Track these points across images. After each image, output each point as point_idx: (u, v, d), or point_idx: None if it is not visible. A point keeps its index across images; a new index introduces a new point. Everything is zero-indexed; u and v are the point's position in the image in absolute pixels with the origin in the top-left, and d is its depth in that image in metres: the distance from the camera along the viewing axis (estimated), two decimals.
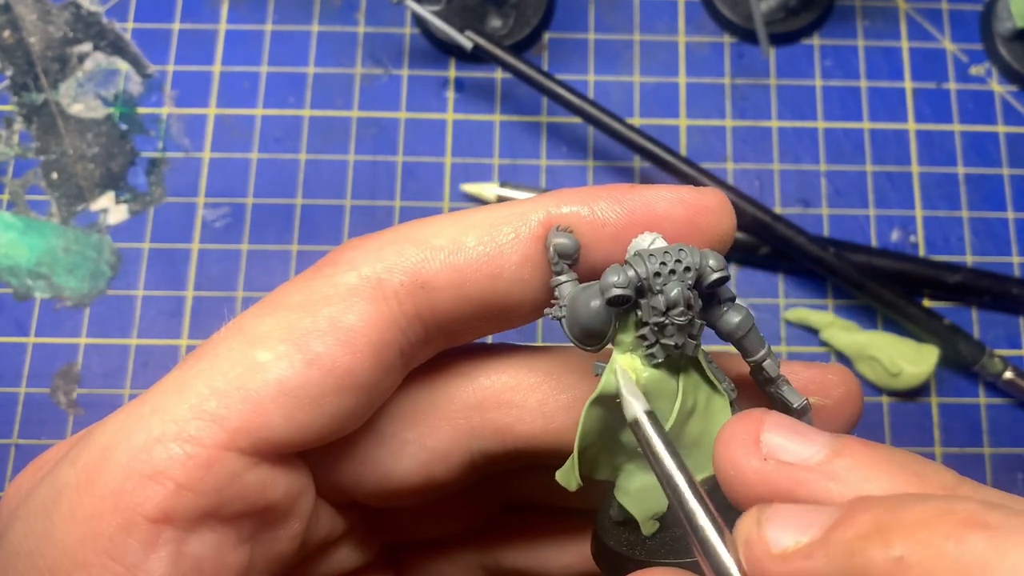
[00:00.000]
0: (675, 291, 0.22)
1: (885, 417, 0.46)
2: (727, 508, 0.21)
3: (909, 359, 0.45)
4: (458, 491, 0.29)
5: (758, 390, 0.26)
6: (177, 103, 0.51)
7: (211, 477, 0.22)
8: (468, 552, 0.32)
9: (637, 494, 0.25)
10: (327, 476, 0.26)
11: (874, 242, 0.49)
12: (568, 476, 0.25)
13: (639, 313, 0.23)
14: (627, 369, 0.24)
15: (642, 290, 0.23)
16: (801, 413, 0.25)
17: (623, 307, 0.23)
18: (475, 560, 0.32)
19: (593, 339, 0.24)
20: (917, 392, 0.47)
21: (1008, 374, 0.45)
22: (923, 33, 0.53)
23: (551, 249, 0.24)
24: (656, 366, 0.24)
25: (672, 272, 0.23)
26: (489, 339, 0.45)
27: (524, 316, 0.26)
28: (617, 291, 0.22)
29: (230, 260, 0.48)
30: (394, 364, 0.25)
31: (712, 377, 0.24)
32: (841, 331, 0.47)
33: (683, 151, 0.50)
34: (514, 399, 0.26)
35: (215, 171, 0.50)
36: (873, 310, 0.48)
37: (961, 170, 0.50)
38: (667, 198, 0.25)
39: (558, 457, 0.26)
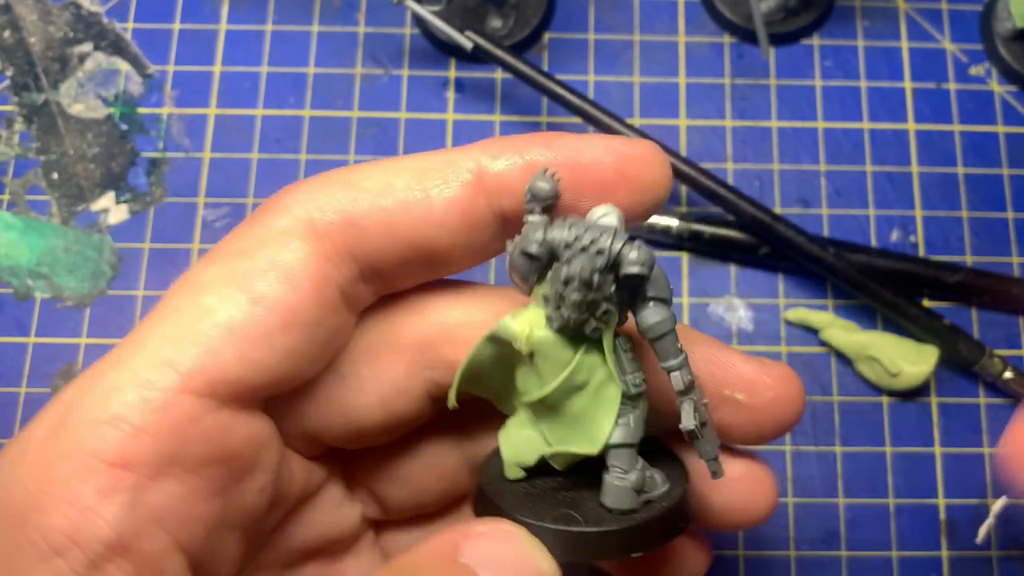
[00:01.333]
0: (575, 267, 0.23)
1: (885, 417, 0.46)
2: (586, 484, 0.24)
3: (909, 359, 0.45)
4: (422, 427, 0.30)
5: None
6: (177, 103, 0.51)
7: (168, 420, 0.23)
8: (444, 525, 0.32)
9: (515, 439, 0.26)
10: (293, 422, 0.27)
11: (874, 242, 0.49)
12: (450, 396, 0.26)
13: (549, 275, 0.24)
14: (526, 322, 0.24)
15: (554, 254, 0.23)
16: (690, 436, 0.25)
17: (534, 263, 0.24)
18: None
19: (521, 280, 0.25)
20: (917, 392, 0.47)
21: (1008, 374, 0.45)
22: (923, 33, 0.53)
23: (527, 187, 0.25)
24: (557, 331, 0.24)
25: (583, 249, 0.23)
26: None
27: (456, 263, 0.27)
28: (530, 248, 0.23)
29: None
30: (335, 301, 0.25)
31: (612, 367, 0.24)
32: (841, 331, 0.47)
33: (683, 151, 0.50)
34: (464, 335, 0.27)
35: (215, 171, 0.50)
36: (873, 310, 0.48)
37: (961, 170, 0.50)
38: (596, 146, 0.26)
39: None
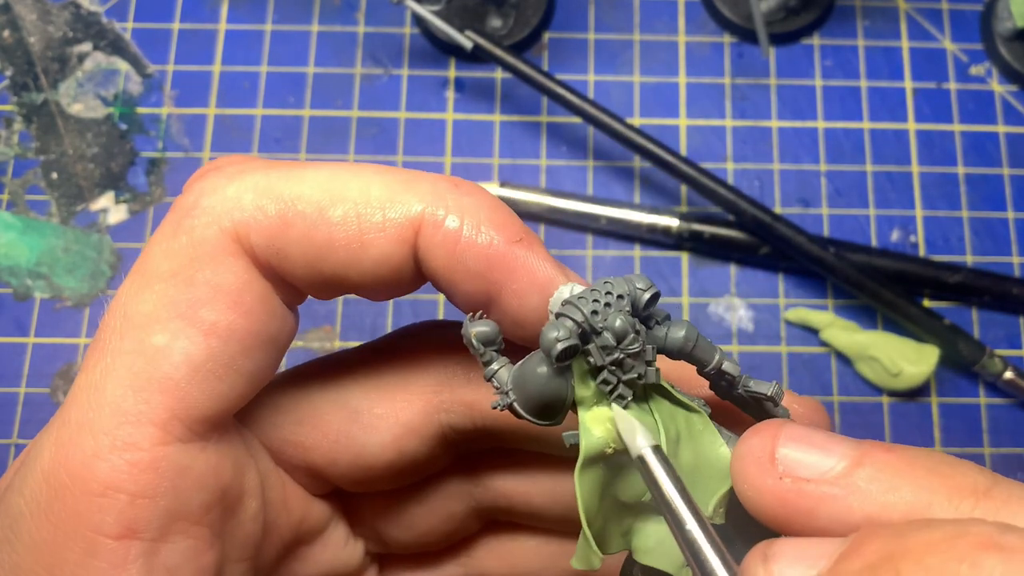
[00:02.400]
0: (619, 321, 0.21)
1: (885, 417, 0.46)
2: (747, 520, 0.21)
3: (909, 359, 0.45)
4: (435, 477, 0.29)
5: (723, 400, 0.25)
6: (177, 103, 0.51)
7: (161, 477, 0.22)
8: (451, 566, 0.32)
9: (659, 548, 0.24)
10: (297, 454, 0.26)
11: (874, 242, 0.49)
12: (587, 556, 0.22)
13: (591, 360, 0.22)
14: (600, 422, 0.22)
15: (586, 335, 0.22)
16: (776, 401, 0.24)
17: (572, 358, 0.22)
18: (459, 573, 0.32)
19: (552, 409, 0.23)
20: (917, 392, 0.47)
21: (1008, 374, 0.45)
22: (923, 33, 0.53)
23: (473, 340, 0.23)
24: (626, 407, 0.22)
25: (608, 305, 0.22)
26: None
27: (379, 298, 0.25)
28: (563, 344, 0.21)
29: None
30: (282, 311, 0.24)
31: (682, 398, 0.23)
32: (841, 331, 0.47)
33: (683, 151, 0.50)
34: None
35: None
36: (873, 310, 0.48)
37: (961, 170, 0.50)
38: (534, 281, 0.23)
39: (522, 441, 0.27)
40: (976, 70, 0.52)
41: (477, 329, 0.23)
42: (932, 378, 0.46)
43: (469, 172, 0.50)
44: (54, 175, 0.49)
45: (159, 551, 0.22)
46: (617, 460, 0.23)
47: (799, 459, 0.20)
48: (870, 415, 0.46)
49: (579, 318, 0.22)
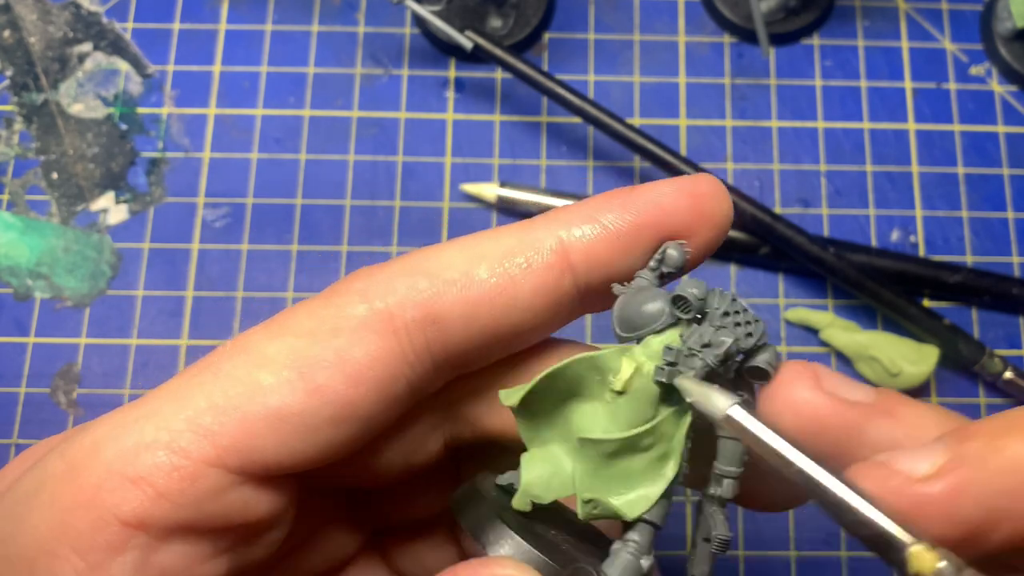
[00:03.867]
0: (728, 337, 0.22)
1: None
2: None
3: (909, 359, 0.45)
4: (436, 473, 0.29)
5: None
6: (177, 103, 0.51)
7: (193, 490, 0.22)
8: (447, 535, 0.32)
9: (540, 472, 0.25)
10: (310, 477, 0.26)
11: (874, 242, 0.49)
12: (511, 395, 0.24)
13: (682, 333, 0.23)
14: (637, 363, 0.23)
15: (702, 317, 0.23)
16: (709, 541, 0.24)
17: (679, 311, 0.23)
18: (454, 542, 0.32)
19: (628, 328, 0.24)
20: (917, 392, 0.47)
21: (1008, 374, 0.45)
22: (923, 33, 0.53)
23: (660, 257, 0.25)
24: (657, 383, 0.23)
25: (737, 324, 0.23)
26: None
27: (534, 340, 0.26)
28: (690, 291, 0.23)
29: (230, 260, 0.48)
30: (399, 397, 0.25)
31: (680, 447, 0.24)
32: (841, 331, 0.47)
33: (683, 151, 0.50)
34: (488, 394, 0.27)
35: (215, 171, 0.50)
36: (873, 310, 0.48)
37: (961, 170, 0.50)
38: (669, 193, 0.25)
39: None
40: (976, 70, 0.52)
41: (669, 252, 0.25)
42: (932, 378, 0.46)
43: (469, 172, 0.50)
44: (54, 175, 0.49)
45: (158, 549, 0.22)
46: (597, 391, 0.24)
47: (839, 385, 0.22)
48: None
49: (713, 303, 0.23)
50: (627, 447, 0.23)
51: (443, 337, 0.24)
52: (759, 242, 0.47)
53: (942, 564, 0.19)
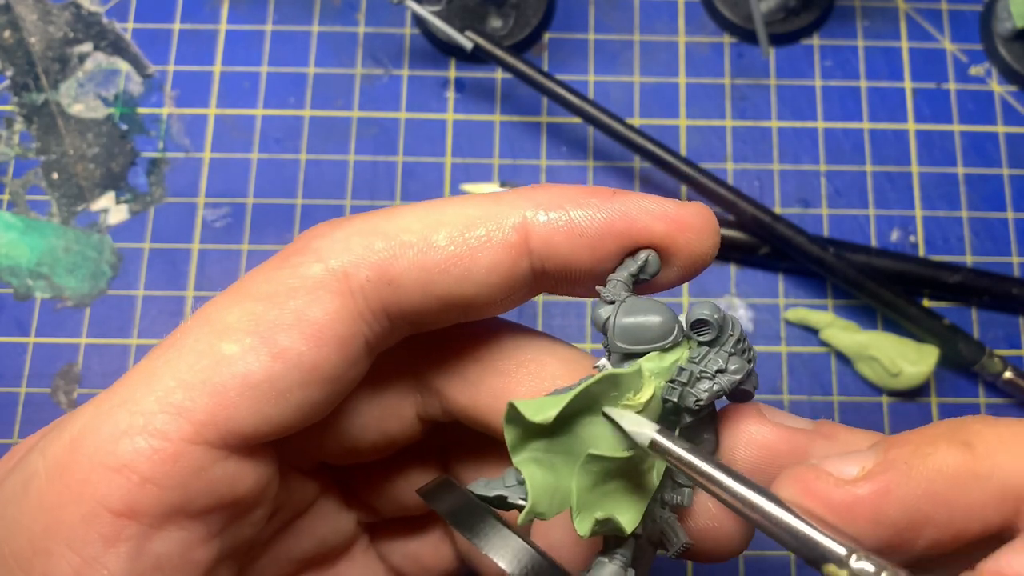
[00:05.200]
0: (736, 365, 0.23)
1: (885, 417, 0.46)
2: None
3: (909, 359, 0.45)
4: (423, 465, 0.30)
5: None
6: (177, 103, 0.51)
7: (177, 471, 0.22)
8: (443, 532, 0.33)
9: (544, 489, 0.24)
10: (291, 446, 0.27)
11: (874, 242, 0.49)
12: (541, 409, 0.23)
13: (691, 354, 0.23)
14: (655, 386, 0.23)
15: (717, 339, 0.23)
16: (674, 549, 0.24)
17: (697, 334, 0.23)
18: (449, 540, 0.33)
19: (623, 342, 0.24)
20: (917, 392, 0.47)
21: (1008, 374, 0.45)
22: (923, 33, 0.53)
23: (642, 259, 0.24)
24: (664, 402, 0.23)
25: (744, 351, 0.23)
26: None
27: (493, 312, 0.26)
28: (706, 314, 0.23)
29: (230, 260, 0.48)
30: (359, 356, 0.25)
31: (661, 466, 0.24)
32: (841, 331, 0.47)
33: (683, 151, 0.50)
34: (455, 367, 0.27)
35: (215, 171, 0.50)
36: (873, 310, 0.48)
37: (961, 170, 0.50)
38: (649, 211, 0.24)
39: (486, 431, 0.27)
40: (976, 70, 0.52)
41: (645, 254, 0.24)
42: (932, 378, 0.46)
43: (469, 172, 0.50)
44: (55, 175, 0.49)
45: (152, 538, 0.22)
46: (596, 424, 0.24)
47: (783, 417, 0.24)
48: (870, 415, 0.46)
49: (727, 328, 0.23)
50: (630, 464, 0.24)
51: (397, 298, 0.24)
52: (759, 242, 0.47)
53: (858, 565, 0.19)
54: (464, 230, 0.24)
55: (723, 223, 0.48)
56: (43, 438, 0.24)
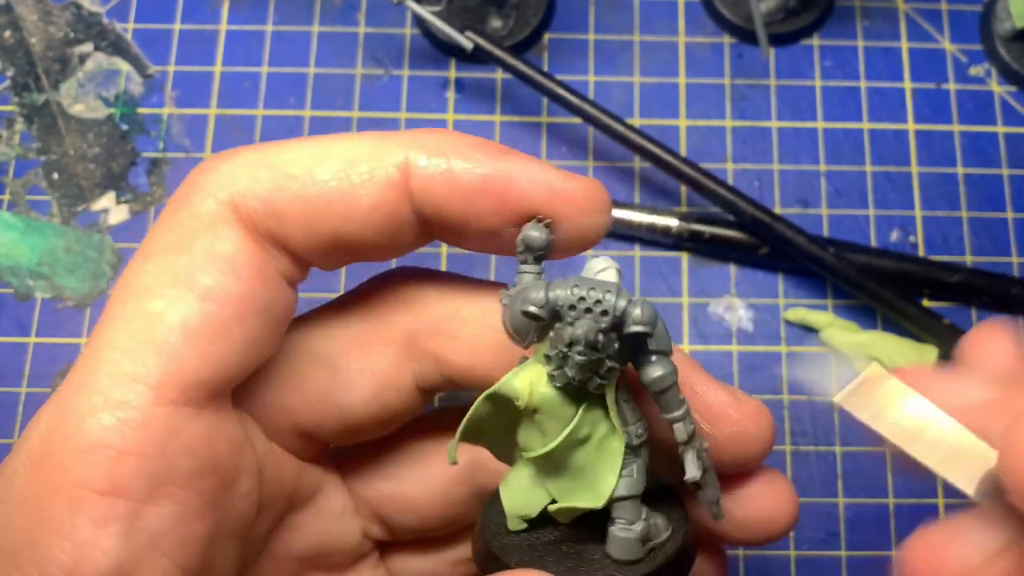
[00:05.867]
0: (580, 330, 0.22)
1: None
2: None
3: (909, 359, 0.45)
4: (412, 419, 0.29)
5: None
6: (178, 103, 0.51)
7: (151, 437, 0.22)
8: (453, 551, 0.32)
9: (516, 492, 0.26)
10: (284, 419, 0.27)
11: (874, 242, 0.49)
12: (450, 451, 0.25)
13: (550, 335, 0.23)
14: (527, 380, 0.24)
15: (557, 315, 0.23)
16: (694, 486, 0.25)
17: (535, 323, 0.23)
18: (464, 562, 0.32)
19: (519, 337, 0.24)
20: None
21: None
22: (923, 33, 0.53)
23: (520, 238, 0.24)
24: (557, 388, 0.24)
25: (588, 311, 0.22)
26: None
27: (381, 256, 0.26)
28: (532, 308, 0.22)
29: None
30: (278, 282, 0.25)
31: (615, 420, 0.24)
32: (841, 331, 0.47)
33: (683, 151, 0.50)
34: (448, 329, 0.26)
35: None
36: (873, 310, 0.48)
37: (961, 170, 0.50)
38: (532, 177, 0.24)
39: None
40: (975, 71, 0.52)
41: (529, 232, 0.24)
42: None
43: None
44: (55, 175, 0.49)
45: (143, 514, 0.22)
46: (521, 412, 0.24)
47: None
48: None
49: (559, 300, 0.23)
50: (567, 449, 0.24)
51: (284, 232, 0.24)
52: (759, 242, 0.47)
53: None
54: (348, 166, 0.24)
55: (723, 223, 0.48)
56: (17, 444, 0.24)
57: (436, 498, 0.30)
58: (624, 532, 0.24)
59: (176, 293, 0.23)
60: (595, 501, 0.24)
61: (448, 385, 0.28)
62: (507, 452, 0.26)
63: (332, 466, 0.30)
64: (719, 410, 0.26)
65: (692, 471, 0.24)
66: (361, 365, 0.27)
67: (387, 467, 0.30)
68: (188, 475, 0.23)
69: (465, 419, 0.24)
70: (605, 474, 0.24)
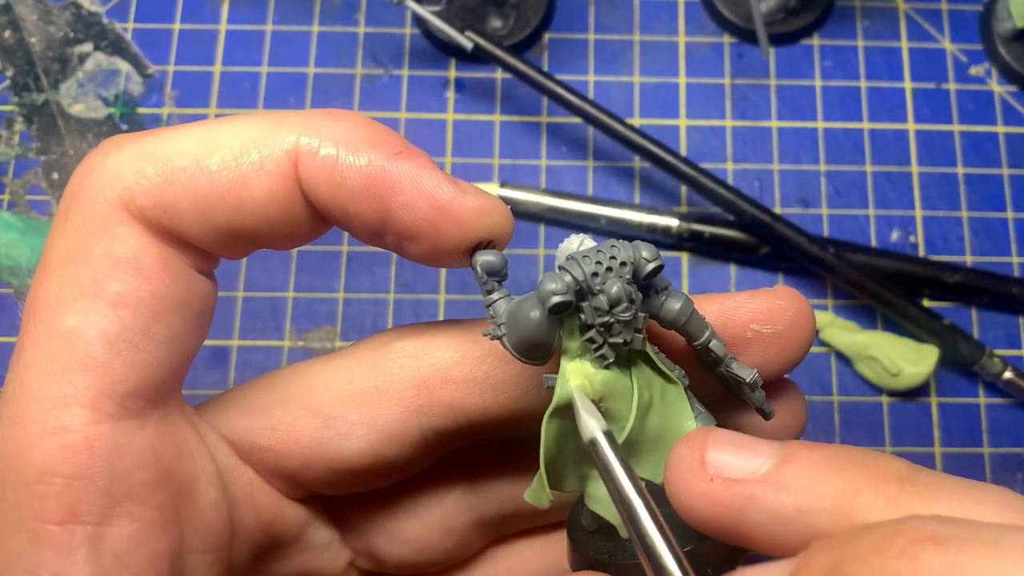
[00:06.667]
0: (615, 288, 0.22)
1: (885, 417, 0.46)
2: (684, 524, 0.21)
3: (909, 359, 0.45)
4: (426, 479, 0.28)
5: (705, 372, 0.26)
6: (178, 103, 0.51)
7: (96, 457, 0.21)
8: None
9: (608, 501, 0.24)
10: (267, 459, 0.26)
11: (874, 242, 0.49)
12: (538, 494, 0.24)
13: (582, 317, 0.23)
14: (579, 375, 0.23)
15: (582, 293, 0.22)
16: (753, 386, 0.25)
17: (565, 313, 0.22)
18: None
19: (539, 352, 0.23)
20: (917, 392, 0.47)
21: (1008, 374, 0.45)
22: (923, 33, 0.53)
23: (478, 268, 0.23)
24: (607, 367, 0.23)
25: (609, 269, 0.22)
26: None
27: (287, 244, 0.25)
28: (558, 298, 0.22)
29: (230, 260, 0.48)
30: (188, 273, 0.24)
31: (663, 367, 0.24)
32: (841, 331, 0.47)
33: (683, 151, 0.50)
34: (461, 374, 0.26)
35: None
36: (873, 310, 0.48)
37: (961, 170, 0.50)
38: (420, 186, 0.23)
39: (510, 430, 0.26)
40: (976, 70, 0.52)
41: (483, 258, 0.23)
42: (932, 378, 0.46)
43: (469, 172, 0.50)
44: (55, 175, 0.49)
45: (104, 535, 0.21)
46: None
47: (728, 462, 0.20)
48: (869, 415, 0.46)
49: (579, 276, 0.22)
50: (641, 419, 0.24)
51: (177, 226, 0.23)
52: (759, 242, 0.47)
53: None
54: (238, 155, 0.23)
55: (723, 223, 0.48)
56: None
57: (432, 529, 0.29)
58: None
59: (87, 304, 0.22)
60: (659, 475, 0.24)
61: (463, 433, 0.27)
62: (574, 474, 0.25)
63: (323, 508, 0.29)
64: (770, 306, 0.27)
65: (747, 372, 0.25)
66: (359, 417, 0.26)
67: (378, 492, 0.29)
68: (142, 489, 0.22)
69: (541, 450, 0.23)
70: (683, 422, 0.24)
